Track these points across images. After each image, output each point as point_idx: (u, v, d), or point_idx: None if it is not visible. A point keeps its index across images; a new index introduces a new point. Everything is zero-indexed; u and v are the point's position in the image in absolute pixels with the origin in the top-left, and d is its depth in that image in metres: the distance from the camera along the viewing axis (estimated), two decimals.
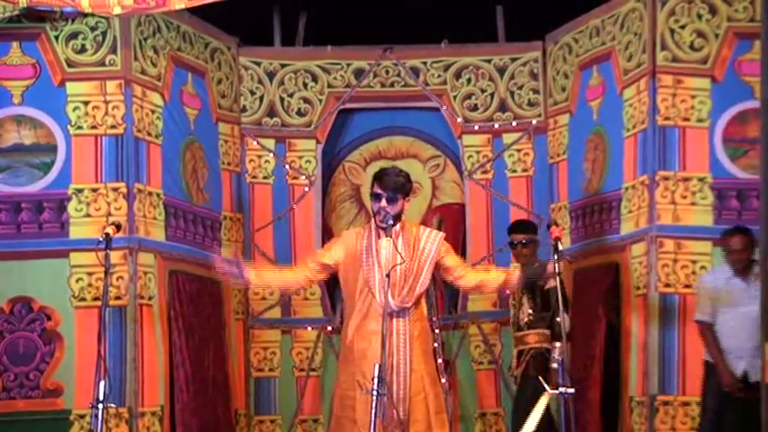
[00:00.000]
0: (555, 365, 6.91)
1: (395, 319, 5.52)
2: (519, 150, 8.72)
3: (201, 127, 8.12)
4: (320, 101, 8.76)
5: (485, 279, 5.94)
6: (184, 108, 7.95)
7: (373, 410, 5.11)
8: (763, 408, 6.75)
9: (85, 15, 7.27)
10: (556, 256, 5.88)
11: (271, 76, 8.73)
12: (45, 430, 7.08)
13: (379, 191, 5.64)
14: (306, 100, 8.76)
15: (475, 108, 8.78)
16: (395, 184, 5.65)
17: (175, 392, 7.47)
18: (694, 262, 7.40)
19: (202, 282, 7.93)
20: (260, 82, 8.71)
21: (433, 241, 5.72)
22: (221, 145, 8.41)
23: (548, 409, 6.96)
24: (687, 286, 7.37)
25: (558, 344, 6.94)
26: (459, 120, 8.73)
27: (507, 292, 7.12)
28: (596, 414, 7.67)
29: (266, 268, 6.12)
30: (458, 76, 8.77)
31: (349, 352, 5.64)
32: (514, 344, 7.30)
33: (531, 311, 7.12)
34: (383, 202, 5.62)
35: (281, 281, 6.02)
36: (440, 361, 7.98)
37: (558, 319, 6.96)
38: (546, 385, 5.81)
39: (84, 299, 7.20)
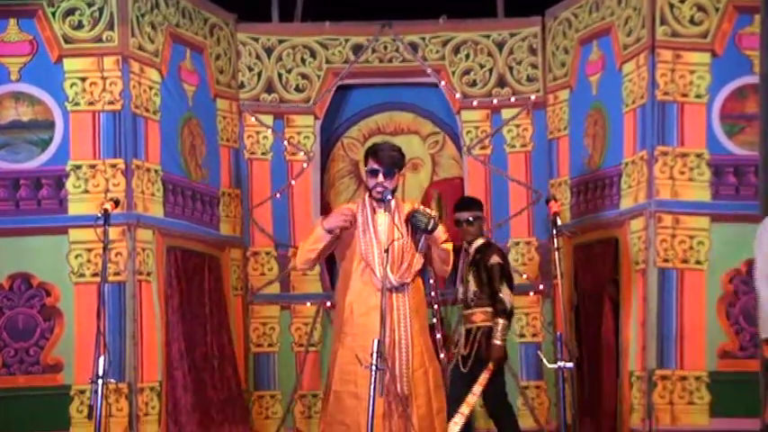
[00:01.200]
0: (497, 342, 6.92)
1: (394, 295, 5.52)
2: (518, 126, 8.72)
3: (199, 103, 8.11)
4: (318, 77, 8.74)
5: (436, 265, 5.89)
6: (182, 84, 7.94)
7: (372, 385, 5.12)
8: (762, 380, 6.81)
9: None
10: (555, 231, 5.89)
11: (269, 51, 8.72)
12: (45, 405, 7.11)
13: (376, 166, 5.63)
14: (304, 76, 8.74)
15: (474, 83, 8.76)
16: (391, 159, 5.64)
17: (168, 369, 7.49)
18: (692, 237, 7.41)
19: (201, 257, 7.95)
20: (258, 58, 8.70)
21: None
22: (219, 121, 8.40)
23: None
24: (685, 261, 7.39)
25: (500, 320, 6.94)
26: (458, 95, 8.72)
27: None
28: (613, 389, 7.69)
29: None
30: (456, 51, 8.76)
31: (348, 326, 5.63)
32: (463, 322, 7.30)
33: (476, 289, 7.12)
34: (380, 178, 5.60)
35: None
36: (438, 336, 8.01)
37: (501, 295, 6.97)
38: (544, 359, 5.81)
39: (83, 275, 7.21)
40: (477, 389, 6.79)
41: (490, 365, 6.91)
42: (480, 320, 7.07)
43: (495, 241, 7.45)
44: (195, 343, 7.72)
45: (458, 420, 6.71)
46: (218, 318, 8.01)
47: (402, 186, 7.90)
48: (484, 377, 6.86)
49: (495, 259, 7.07)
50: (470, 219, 7.12)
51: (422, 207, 5.70)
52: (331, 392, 5.65)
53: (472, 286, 7.12)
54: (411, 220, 5.61)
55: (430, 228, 5.59)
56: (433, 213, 5.68)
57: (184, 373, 7.53)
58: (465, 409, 6.72)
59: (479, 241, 7.18)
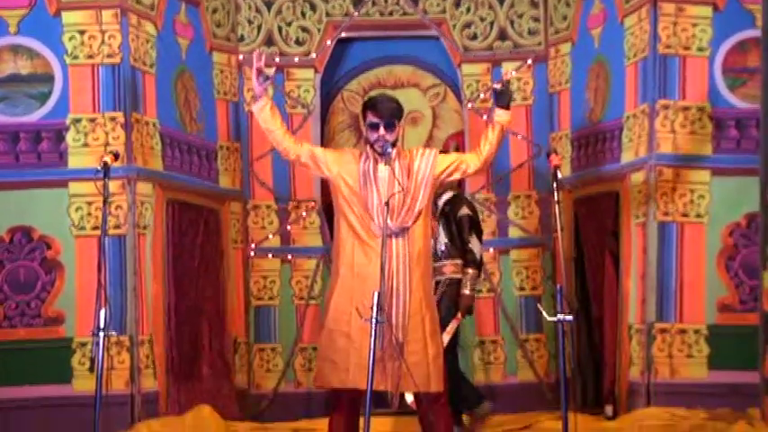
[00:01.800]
0: (467, 291, 6.97)
1: (394, 241, 5.49)
2: (518, 79, 8.68)
3: (194, 56, 8.08)
4: (318, 30, 8.70)
5: (483, 148, 5.73)
6: (176, 38, 7.90)
7: (372, 338, 5.12)
8: (761, 334, 6.84)
9: None
10: (555, 185, 5.87)
11: (268, 5, 8.67)
12: (47, 358, 7.14)
13: (376, 119, 5.57)
14: (304, 29, 8.70)
15: (474, 37, 8.72)
16: (390, 111, 5.58)
17: (167, 322, 7.52)
18: (692, 191, 7.42)
19: (200, 211, 7.95)
20: (258, 11, 8.65)
21: (427, 159, 5.64)
22: (216, 75, 8.37)
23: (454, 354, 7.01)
24: (685, 215, 7.40)
25: (470, 270, 6.98)
26: (459, 49, 8.67)
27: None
28: (613, 342, 7.74)
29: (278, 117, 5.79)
30: (457, 4, 8.71)
31: (347, 269, 5.60)
32: (432, 274, 7.28)
33: (446, 241, 7.13)
34: (381, 131, 5.56)
35: (277, 132, 5.72)
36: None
37: (471, 245, 7.00)
38: (544, 312, 5.82)
39: (83, 228, 7.22)
40: (446, 337, 6.81)
41: (458, 315, 6.97)
42: (450, 272, 7.10)
43: (464, 193, 7.39)
44: (188, 296, 7.75)
45: None
46: (205, 271, 7.99)
47: (402, 138, 7.88)
48: (452, 326, 6.91)
49: (464, 211, 7.13)
50: None
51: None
52: (324, 329, 5.65)
53: (442, 239, 7.15)
54: (500, 94, 5.61)
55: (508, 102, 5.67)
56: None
57: (174, 325, 7.57)
58: None
59: (448, 194, 7.20)
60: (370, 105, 5.64)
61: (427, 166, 5.61)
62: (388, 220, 5.41)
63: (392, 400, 5.71)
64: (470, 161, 5.75)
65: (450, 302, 7.03)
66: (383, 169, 5.58)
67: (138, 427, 7.01)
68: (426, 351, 5.44)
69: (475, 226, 7.17)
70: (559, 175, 5.94)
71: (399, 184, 5.52)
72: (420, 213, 5.56)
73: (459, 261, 7.13)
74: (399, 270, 5.50)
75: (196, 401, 7.56)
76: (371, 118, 5.60)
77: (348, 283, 5.55)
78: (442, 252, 7.16)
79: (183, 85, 7.92)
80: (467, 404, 7.24)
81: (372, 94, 8.06)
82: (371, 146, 5.62)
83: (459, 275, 7.12)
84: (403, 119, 5.73)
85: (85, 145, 7.26)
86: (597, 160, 8.06)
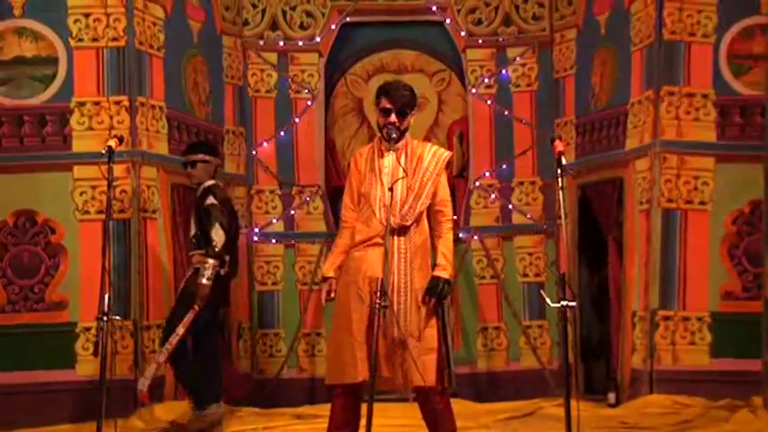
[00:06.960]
0: (204, 281, 6.67)
1: (395, 237, 5.47)
2: (523, 65, 8.66)
3: (205, 39, 8.06)
4: (323, 14, 8.67)
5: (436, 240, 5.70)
6: (188, 20, 7.87)
7: (377, 324, 5.12)
8: (764, 322, 6.84)
9: None
10: (559, 171, 5.85)
11: None
12: (51, 343, 7.13)
13: (389, 105, 5.53)
14: (308, 13, 8.67)
15: (479, 22, 8.70)
16: (404, 99, 5.53)
17: None
18: (696, 178, 7.41)
19: None
20: None
21: (437, 160, 5.61)
22: (224, 58, 8.35)
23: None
24: (689, 202, 7.40)
25: (209, 260, 6.71)
26: (463, 34, 8.65)
27: None
28: (616, 330, 7.74)
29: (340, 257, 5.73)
30: None
31: (346, 264, 5.59)
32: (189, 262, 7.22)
33: (195, 230, 6.98)
34: (392, 117, 5.51)
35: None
36: None
37: (212, 235, 6.77)
38: (547, 299, 5.81)
39: (87, 212, 7.21)
40: (180, 330, 6.70)
41: (195, 306, 6.74)
42: (197, 261, 6.90)
43: (220, 183, 7.16)
44: None
45: (159, 358, 6.75)
46: None
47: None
48: (188, 318, 6.72)
49: (209, 200, 6.84)
50: (191, 162, 6.95)
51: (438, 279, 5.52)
52: (332, 327, 5.65)
53: (193, 228, 7.00)
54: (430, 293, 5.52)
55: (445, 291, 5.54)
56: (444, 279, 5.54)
57: None
58: (167, 347, 6.71)
59: (206, 183, 6.97)
60: (383, 91, 5.58)
61: (436, 167, 5.56)
62: (389, 215, 5.38)
63: (406, 392, 5.64)
64: (443, 210, 5.62)
65: (191, 292, 6.80)
66: (387, 160, 5.54)
67: (142, 412, 7.02)
68: (416, 345, 5.41)
69: (219, 216, 6.82)
70: (564, 162, 5.93)
71: (404, 169, 5.49)
72: (422, 213, 5.52)
73: (203, 250, 6.87)
74: (400, 265, 5.48)
75: None
76: (385, 104, 5.55)
77: (346, 277, 5.50)
78: (191, 241, 7.00)
79: (193, 68, 7.90)
80: (204, 398, 6.91)
81: (381, 78, 8.05)
82: (381, 134, 5.59)
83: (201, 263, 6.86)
84: (416, 108, 5.67)
85: (90, 128, 7.25)
86: (602, 146, 8.05)
